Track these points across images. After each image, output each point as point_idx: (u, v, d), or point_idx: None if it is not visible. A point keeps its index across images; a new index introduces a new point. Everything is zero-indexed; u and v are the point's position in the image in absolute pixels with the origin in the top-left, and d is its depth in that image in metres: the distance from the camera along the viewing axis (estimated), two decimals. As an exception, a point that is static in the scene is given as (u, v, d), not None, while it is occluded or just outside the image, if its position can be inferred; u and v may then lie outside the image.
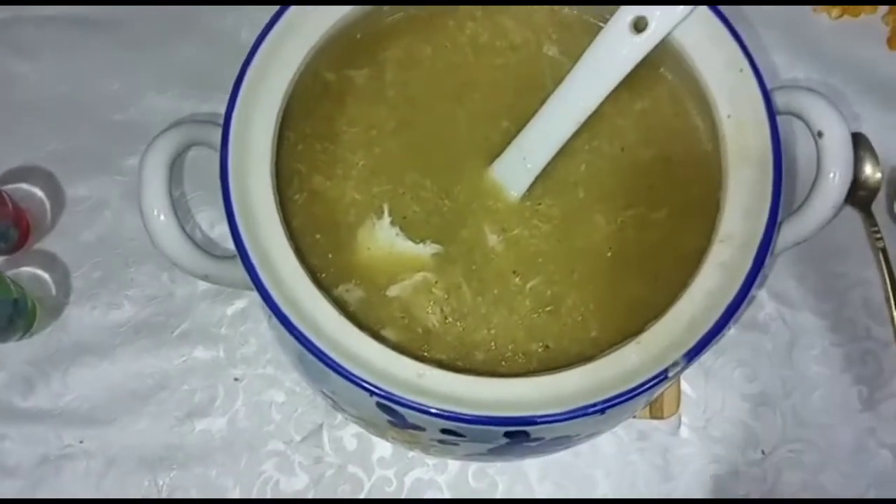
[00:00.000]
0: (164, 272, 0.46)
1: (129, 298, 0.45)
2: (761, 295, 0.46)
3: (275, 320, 0.30)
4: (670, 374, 0.26)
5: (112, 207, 0.47)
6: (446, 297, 0.33)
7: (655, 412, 0.43)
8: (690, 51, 0.30)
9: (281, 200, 0.32)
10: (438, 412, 0.26)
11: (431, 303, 0.33)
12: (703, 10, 0.30)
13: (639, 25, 0.30)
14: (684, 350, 0.27)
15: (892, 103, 0.49)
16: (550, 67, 0.36)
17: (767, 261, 0.28)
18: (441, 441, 0.32)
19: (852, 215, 0.47)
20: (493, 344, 0.32)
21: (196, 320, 0.45)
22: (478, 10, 0.37)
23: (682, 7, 0.29)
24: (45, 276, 0.45)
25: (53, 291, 0.45)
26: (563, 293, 0.33)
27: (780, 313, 0.45)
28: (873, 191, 0.47)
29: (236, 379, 0.44)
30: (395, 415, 0.30)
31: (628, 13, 0.30)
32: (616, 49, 0.30)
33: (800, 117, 0.30)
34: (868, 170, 0.46)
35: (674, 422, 0.43)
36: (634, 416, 0.43)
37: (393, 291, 0.33)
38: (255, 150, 0.30)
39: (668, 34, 0.30)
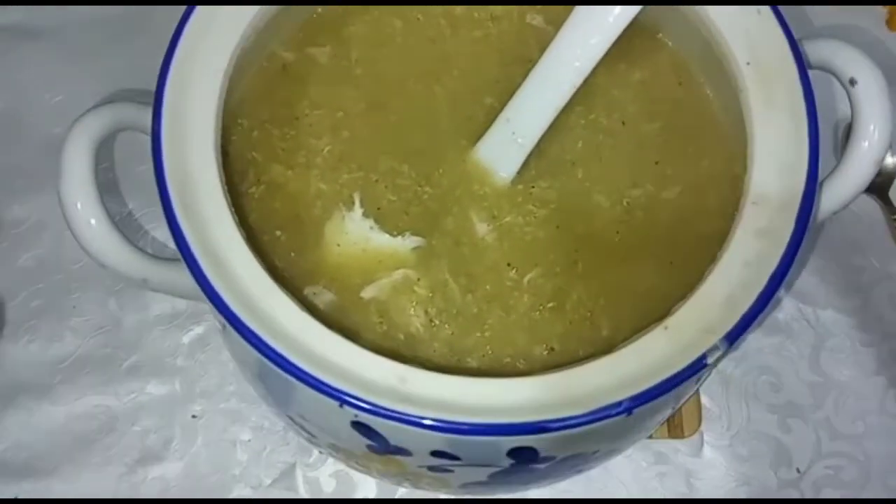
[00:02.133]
0: (112, 297, 0.40)
1: (71, 329, 0.40)
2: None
3: (227, 329, 0.25)
4: (709, 361, 0.22)
5: (52, 229, 0.41)
6: (431, 296, 0.28)
7: (674, 431, 0.38)
8: (698, -5, 0.27)
9: (234, 196, 0.28)
10: (428, 422, 0.21)
11: (414, 303, 0.28)
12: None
13: (638, -31, 0.26)
14: (723, 332, 0.22)
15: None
16: (536, 37, 0.32)
17: (811, 223, 0.23)
18: (432, 468, 0.26)
19: (868, 204, 0.43)
20: (488, 348, 0.28)
21: (148, 351, 0.39)
22: (452, -21, 0.33)
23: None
24: (-24, 308, 0.40)
25: (-15, 325, 0.40)
26: (567, 286, 0.29)
27: (802, 313, 0.41)
28: (890, 176, 0.43)
29: (195, 416, 0.38)
30: (375, 437, 0.25)
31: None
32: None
33: (825, 68, 0.27)
34: (883, 152, 0.43)
35: (695, 441, 0.38)
36: (651, 437, 0.38)
37: (368, 293, 0.28)
38: (196, 136, 0.26)
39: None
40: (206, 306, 0.39)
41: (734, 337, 0.22)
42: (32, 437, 0.38)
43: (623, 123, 0.31)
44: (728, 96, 0.29)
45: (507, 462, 0.26)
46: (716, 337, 0.22)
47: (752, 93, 0.25)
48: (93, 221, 0.25)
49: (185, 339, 0.40)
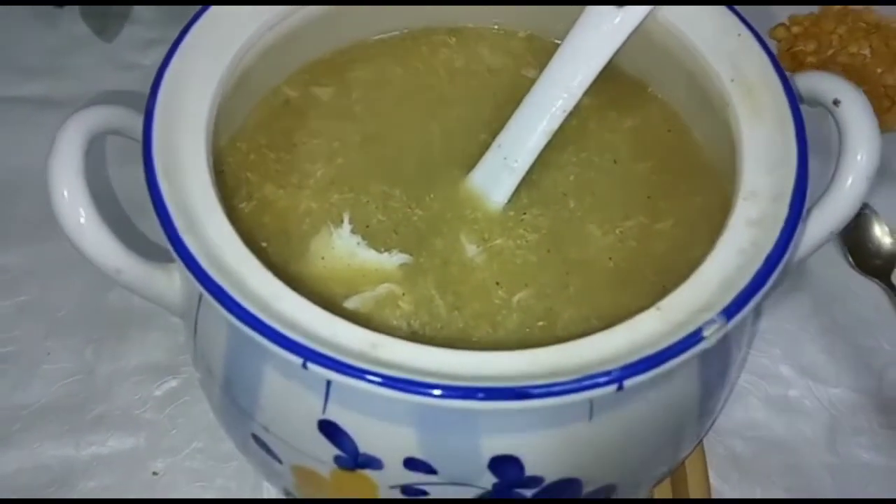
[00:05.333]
0: (89, 346, 0.39)
1: (41, 376, 0.38)
2: (786, 371, 0.39)
3: (200, 311, 0.24)
4: (706, 334, 0.20)
5: (40, 276, 0.41)
6: (415, 310, 0.27)
7: (681, 511, 0.35)
8: (681, 25, 0.28)
9: (225, 210, 0.28)
10: (399, 382, 0.19)
11: (398, 317, 0.27)
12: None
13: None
14: (720, 309, 0.21)
15: (885, 179, 0.46)
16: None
17: (804, 213, 0.23)
18: (405, 489, 0.24)
19: (871, 287, 0.42)
20: (473, 365, 0.26)
21: (117, 402, 0.37)
22: (452, 38, 0.35)
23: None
24: (-52, 351, 0.38)
25: (-45, 368, 0.38)
26: (558, 308, 0.27)
27: (813, 391, 0.39)
28: (889, 259, 0.43)
29: (155, 473, 0.35)
30: (344, 440, 0.23)
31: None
32: (602, 24, 0.28)
33: (810, 98, 0.27)
34: (877, 232, 0.43)
35: (705, 524, 0.35)
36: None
37: (351, 304, 0.27)
38: (186, 149, 0.26)
39: (654, 7, 0.28)
40: (183, 358, 0.38)
41: (732, 312, 0.20)
42: (-24, 487, 0.35)
43: (615, 162, 0.31)
44: (715, 134, 0.29)
45: (490, 481, 0.23)
46: (711, 314, 0.20)
47: (738, 106, 0.26)
48: (74, 207, 0.25)
49: (158, 391, 0.38)
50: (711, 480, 0.35)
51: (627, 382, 0.19)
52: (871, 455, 0.37)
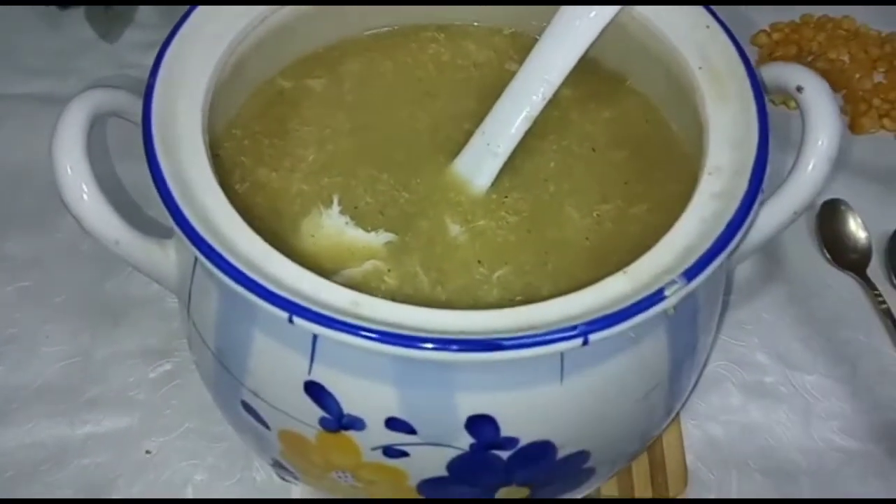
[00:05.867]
0: (87, 331, 0.40)
1: (40, 358, 0.39)
2: (763, 358, 0.41)
3: (193, 282, 0.25)
4: (668, 293, 0.21)
5: (42, 264, 0.42)
6: (400, 285, 0.28)
7: (658, 490, 0.36)
8: (654, 19, 0.30)
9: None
10: (377, 335, 0.20)
11: (383, 291, 0.28)
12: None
13: (599, -6, 0.29)
14: (680, 271, 0.22)
15: (862, 178, 0.48)
16: (514, 81, 0.35)
17: (764, 186, 0.24)
18: (387, 450, 0.25)
19: (847, 280, 0.44)
20: (454, 337, 0.27)
21: (112, 384, 0.38)
22: (440, 34, 0.37)
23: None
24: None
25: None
26: (537, 284, 0.29)
27: (788, 378, 0.40)
28: (864, 254, 0.44)
29: (148, 451, 0.36)
30: (328, 401, 0.24)
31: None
32: (580, 16, 0.29)
33: (776, 87, 0.29)
34: (852, 226, 0.44)
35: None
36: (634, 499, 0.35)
37: (339, 279, 0.28)
38: (184, 127, 0.27)
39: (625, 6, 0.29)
40: (177, 343, 0.39)
41: (692, 274, 0.22)
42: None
43: (593, 150, 0.33)
44: (689, 122, 0.31)
45: (467, 441, 0.24)
46: (674, 275, 0.22)
47: (705, 91, 0.27)
48: (77, 182, 0.26)
49: (153, 373, 0.39)
50: (688, 462, 0.37)
51: (593, 337, 0.20)
52: (845, 440, 0.38)
